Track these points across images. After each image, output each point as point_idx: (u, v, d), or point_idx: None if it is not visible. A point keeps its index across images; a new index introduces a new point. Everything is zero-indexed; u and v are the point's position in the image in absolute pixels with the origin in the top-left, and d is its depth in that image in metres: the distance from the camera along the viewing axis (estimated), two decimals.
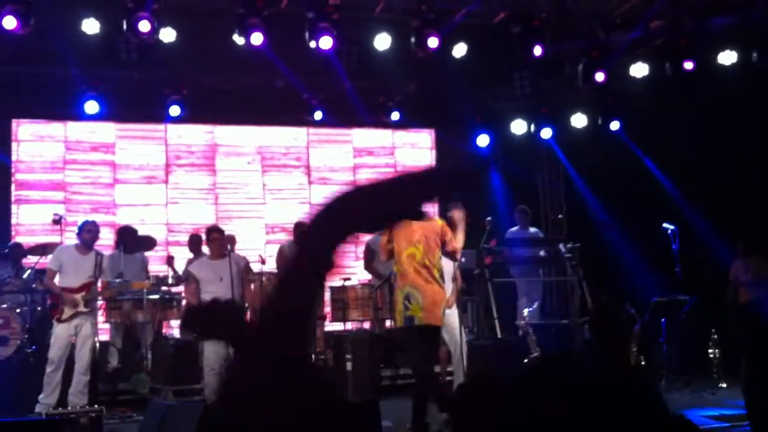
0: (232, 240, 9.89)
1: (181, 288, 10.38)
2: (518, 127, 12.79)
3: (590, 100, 12.48)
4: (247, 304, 8.83)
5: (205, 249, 9.70)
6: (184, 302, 9.87)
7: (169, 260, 10.71)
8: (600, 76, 11.36)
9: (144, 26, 9.33)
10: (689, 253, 10.25)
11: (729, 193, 10.45)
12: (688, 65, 11.02)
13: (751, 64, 10.89)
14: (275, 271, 10.76)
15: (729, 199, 10.39)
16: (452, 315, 8.34)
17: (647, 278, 10.68)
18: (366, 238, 10.37)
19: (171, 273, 10.31)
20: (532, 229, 11.82)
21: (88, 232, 8.49)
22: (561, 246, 10.80)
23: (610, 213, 12.02)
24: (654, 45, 11.26)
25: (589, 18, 11.05)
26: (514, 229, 11.67)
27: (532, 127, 12.94)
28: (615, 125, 12.50)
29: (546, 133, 12.86)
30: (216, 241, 8.57)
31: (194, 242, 10.89)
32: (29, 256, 10.16)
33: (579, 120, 12.57)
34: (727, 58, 10.95)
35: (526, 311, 8.72)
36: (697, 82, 11.06)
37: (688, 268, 10.08)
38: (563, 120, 12.72)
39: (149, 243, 10.88)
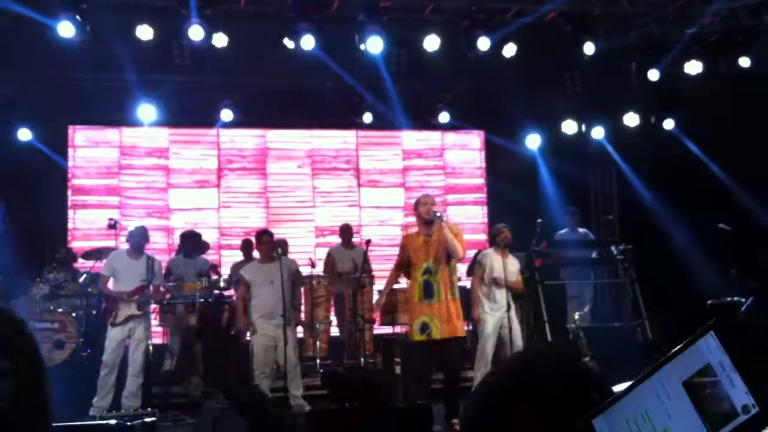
0: (284, 244, 9.94)
1: (232, 291, 10.48)
2: (569, 126, 12.61)
3: (643, 98, 12.26)
4: (298, 308, 8.89)
5: (255, 253, 9.79)
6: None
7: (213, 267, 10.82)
8: (654, 74, 11.18)
9: (196, 32, 9.45)
10: (749, 254, 10.00)
11: None
12: (744, 62, 10.80)
13: None
14: (324, 274, 10.82)
15: None
16: (514, 320, 8.43)
17: (703, 280, 10.45)
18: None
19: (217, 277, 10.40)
20: (582, 230, 11.67)
21: (133, 237, 8.65)
22: (613, 247, 10.64)
23: (665, 213, 11.79)
24: (709, 42, 11.02)
25: (642, 15, 10.88)
26: (563, 231, 11.53)
27: (584, 127, 12.74)
28: (669, 124, 12.29)
29: (598, 132, 12.67)
30: (266, 244, 8.62)
31: (246, 247, 11.02)
32: (84, 261, 10.33)
33: (632, 119, 12.35)
34: None
35: (577, 314, 8.59)
36: (753, 78, 10.80)
37: (746, 270, 9.84)
38: (615, 119, 12.51)
39: (204, 247, 11.01)
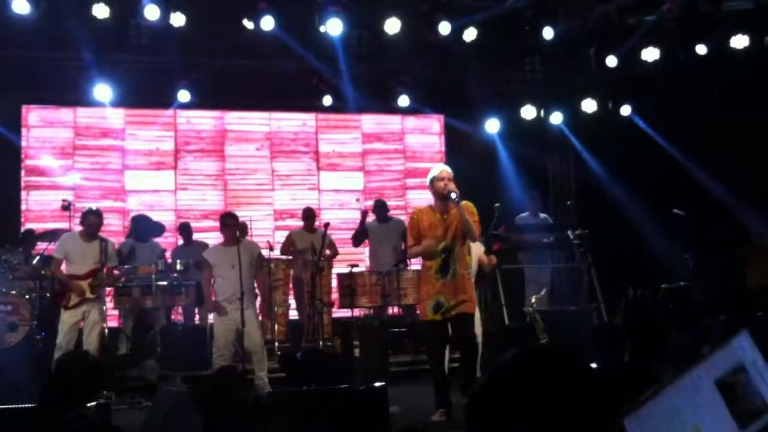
0: (243, 227, 9.88)
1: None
2: (528, 111, 12.66)
3: (601, 84, 12.38)
4: (257, 292, 8.84)
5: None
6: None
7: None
8: (612, 60, 11.28)
9: (152, 12, 9.31)
10: (703, 238, 10.18)
11: (742, 177, 10.39)
12: (701, 49, 10.94)
13: (764, 48, 10.79)
14: (283, 257, 10.78)
15: (742, 183, 10.34)
16: None
17: (659, 264, 10.60)
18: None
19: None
20: (542, 215, 11.77)
21: (89, 226, 8.50)
22: (569, 232, 10.73)
23: (622, 198, 11.92)
24: (667, 28, 11.13)
25: (601, 1, 10.95)
26: (524, 214, 11.62)
27: (542, 112, 12.82)
28: (626, 110, 12.41)
29: (556, 117, 12.76)
30: (231, 227, 8.52)
31: (185, 230, 10.99)
32: (39, 242, 10.17)
33: (590, 105, 12.45)
34: (740, 41, 10.84)
35: (534, 298, 8.65)
36: (710, 65, 10.96)
37: (699, 253, 10.02)
38: (574, 104, 12.60)
39: (158, 229, 10.90)
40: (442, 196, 6.80)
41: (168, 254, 10.52)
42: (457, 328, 6.82)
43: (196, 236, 11.19)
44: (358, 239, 11.25)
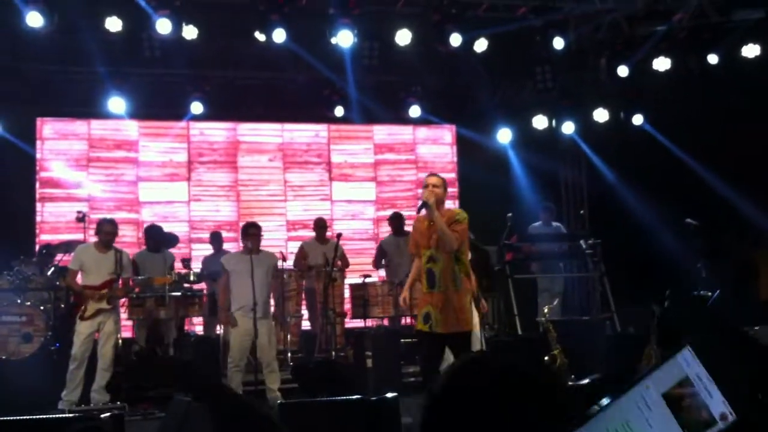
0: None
1: (203, 285, 10.44)
2: (540, 121, 12.67)
3: (613, 93, 12.37)
4: (272, 301, 8.85)
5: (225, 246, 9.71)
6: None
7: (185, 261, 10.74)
8: (623, 70, 11.28)
9: (163, 26, 9.39)
10: (717, 247, 10.15)
11: (755, 185, 10.36)
12: (712, 59, 10.94)
13: None
14: (294, 267, 10.81)
15: (755, 191, 10.31)
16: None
17: (671, 274, 10.56)
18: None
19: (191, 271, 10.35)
20: (555, 224, 11.76)
21: (104, 234, 8.54)
22: (582, 241, 10.72)
23: (635, 207, 11.90)
24: (678, 38, 11.13)
25: (612, 11, 10.97)
26: (537, 224, 11.61)
27: (554, 122, 12.82)
28: (638, 119, 12.40)
29: (568, 127, 12.75)
30: (253, 237, 8.53)
31: (216, 239, 11.02)
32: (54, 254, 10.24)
33: (601, 114, 12.45)
34: (751, 51, 10.83)
35: (546, 308, 8.63)
36: (721, 75, 10.94)
37: (714, 263, 9.99)
38: (585, 114, 12.61)
39: (172, 240, 10.95)
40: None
41: (192, 264, 10.57)
42: (451, 347, 6.56)
43: (202, 247, 11.22)
44: (378, 262, 11.22)
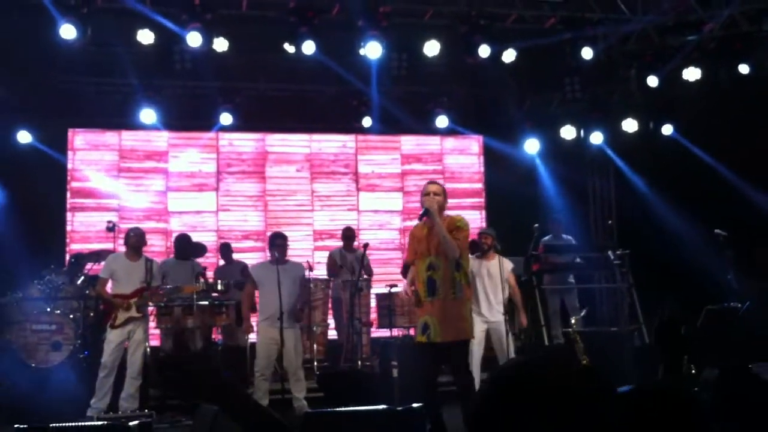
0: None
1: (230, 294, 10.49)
2: (567, 132, 12.61)
3: (642, 104, 12.30)
4: (299, 308, 8.87)
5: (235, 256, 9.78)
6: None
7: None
8: (653, 80, 11.21)
9: (194, 39, 9.49)
10: (747, 258, 10.03)
11: None
12: (743, 68, 10.83)
13: None
14: (323, 277, 10.84)
15: None
16: (501, 323, 8.30)
17: (702, 285, 10.45)
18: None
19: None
20: (565, 237, 11.58)
21: (134, 237, 8.65)
22: (610, 252, 10.62)
23: (664, 218, 11.79)
24: (708, 48, 11.05)
25: (641, 22, 10.91)
26: (547, 237, 11.37)
27: (582, 132, 12.75)
28: (668, 129, 12.30)
29: (596, 137, 12.67)
30: (280, 247, 8.58)
31: (225, 250, 11.08)
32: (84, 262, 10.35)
33: (630, 125, 12.36)
34: None
35: (573, 319, 8.58)
36: (752, 85, 10.83)
37: (744, 274, 9.87)
38: (614, 124, 12.53)
39: (200, 250, 11.02)
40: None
41: (210, 274, 10.62)
42: (449, 357, 6.47)
43: (237, 256, 11.30)
44: (406, 270, 11.19)
